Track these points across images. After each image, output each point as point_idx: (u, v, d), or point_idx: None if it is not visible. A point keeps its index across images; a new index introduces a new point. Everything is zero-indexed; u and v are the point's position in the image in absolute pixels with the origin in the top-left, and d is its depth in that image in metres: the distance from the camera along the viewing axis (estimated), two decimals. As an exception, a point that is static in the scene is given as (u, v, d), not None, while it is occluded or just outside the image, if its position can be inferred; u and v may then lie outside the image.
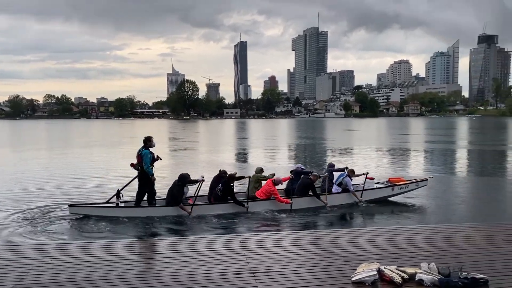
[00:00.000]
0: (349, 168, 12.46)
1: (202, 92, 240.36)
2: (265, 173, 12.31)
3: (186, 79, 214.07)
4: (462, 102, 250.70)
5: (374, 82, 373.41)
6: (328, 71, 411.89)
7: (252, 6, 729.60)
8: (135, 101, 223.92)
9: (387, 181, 12.89)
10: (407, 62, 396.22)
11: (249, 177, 11.75)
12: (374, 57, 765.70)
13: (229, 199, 10.94)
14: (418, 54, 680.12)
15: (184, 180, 10.61)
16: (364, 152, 30.43)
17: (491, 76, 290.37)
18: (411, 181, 12.93)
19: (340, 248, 5.83)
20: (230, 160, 25.26)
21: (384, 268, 4.70)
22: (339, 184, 12.01)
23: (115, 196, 10.71)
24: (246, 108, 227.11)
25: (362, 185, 12.23)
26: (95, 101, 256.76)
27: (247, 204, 10.93)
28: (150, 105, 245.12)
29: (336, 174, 12.36)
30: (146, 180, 10.69)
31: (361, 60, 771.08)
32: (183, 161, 24.66)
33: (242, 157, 28.92)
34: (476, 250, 5.71)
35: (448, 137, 49.63)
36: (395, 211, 11.63)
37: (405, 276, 4.57)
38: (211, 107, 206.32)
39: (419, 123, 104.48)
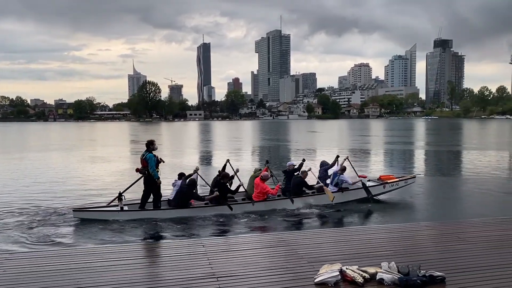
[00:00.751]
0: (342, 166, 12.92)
1: (164, 94, 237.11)
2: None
3: (148, 81, 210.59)
4: (420, 104, 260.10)
5: (335, 85, 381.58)
6: (291, 74, 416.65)
7: (214, 8, 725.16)
8: (95, 103, 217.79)
9: (378, 179, 13.36)
10: (367, 65, 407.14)
11: (238, 170, 12.13)
12: (335, 60, 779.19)
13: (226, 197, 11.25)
14: (377, 58, 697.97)
15: (193, 185, 11.02)
16: (327, 153, 30.89)
17: (446, 79, 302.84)
18: (400, 178, 13.43)
19: (303, 250, 5.85)
20: (194, 163, 24.96)
21: (346, 268, 4.75)
22: (336, 185, 12.48)
23: (116, 199, 10.74)
24: (210, 110, 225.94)
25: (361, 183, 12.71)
26: (52, 103, 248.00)
27: (253, 204, 11.26)
28: (110, 107, 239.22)
29: (330, 172, 12.85)
30: (151, 183, 10.77)
31: (323, 63, 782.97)
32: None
33: (206, 159, 28.70)
34: (433, 248, 5.88)
35: (406, 138, 51.28)
36: (356, 211, 11.85)
37: (367, 276, 4.64)
38: (174, 109, 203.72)
39: (379, 125, 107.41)
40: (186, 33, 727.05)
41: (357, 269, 4.77)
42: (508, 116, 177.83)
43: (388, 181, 13.05)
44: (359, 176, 13.05)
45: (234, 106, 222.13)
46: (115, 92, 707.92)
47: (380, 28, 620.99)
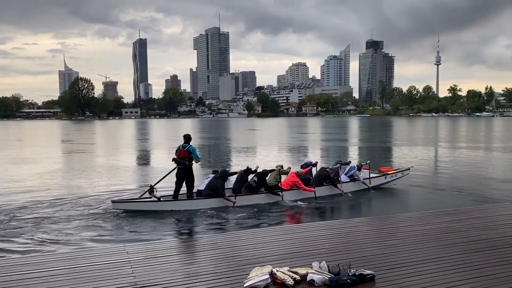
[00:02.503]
0: (358, 164, 14.65)
1: (98, 90, 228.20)
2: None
3: (80, 77, 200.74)
4: (353, 103, 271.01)
5: (274, 83, 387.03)
6: (231, 72, 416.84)
7: (149, 3, 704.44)
8: (22, 100, 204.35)
9: (378, 171, 14.86)
10: (304, 64, 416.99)
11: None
12: (273, 59, 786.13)
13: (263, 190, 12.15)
14: (314, 57, 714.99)
15: (225, 174, 11.92)
16: (266, 150, 31.07)
17: (378, 79, 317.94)
18: (397, 170, 15.05)
19: (235, 252, 5.59)
20: (131, 163, 23.95)
21: (277, 270, 4.56)
22: (350, 176, 13.86)
23: (147, 192, 11.17)
24: (147, 107, 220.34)
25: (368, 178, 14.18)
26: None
27: (282, 193, 12.16)
28: (40, 104, 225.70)
29: (343, 167, 14.31)
30: (186, 174, 11.32)
31: (261, 62, 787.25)
32: (79, 165, 22.84)
33: (143, 159, 27.72)
34: (364, 245, 5.86)
35: (341, 135, 53.03)
36: (296, 209, 11.82)
37: (297, 277, 4.47)
38: (108, 107, 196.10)
39: (316, 122, 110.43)
40: (120, 28, 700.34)
41: (288, 270, 4.59)
42: (434, 114, 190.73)
43: (388, 172, 14.61)
44: (363, 168, 14.43)
45: (172, 104, 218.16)
46: (45, 89, 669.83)
47: (314, 29, 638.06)
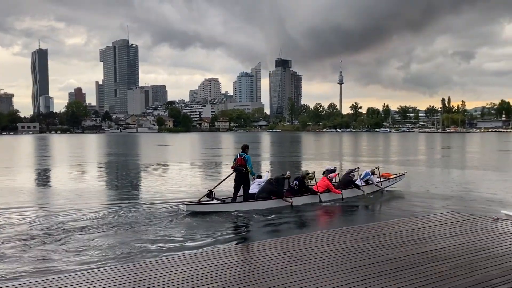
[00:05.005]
0: (373, 169, 16.23)
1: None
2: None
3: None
4: (265, 119, 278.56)
5: (187, 98, 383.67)
6: (140, 85, 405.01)
7: (48, 12, 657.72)
8: None
9: (381, 176, 16.61)
10: (216, 80, 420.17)
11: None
12: (184, 74, 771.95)
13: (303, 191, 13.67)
14: (226, 73, 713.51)
15: (282, 181, 13.25)
16: (179, 166, 29.93)
17: (287, 96, 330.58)
18: (395, 175, 17.29)
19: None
20: (27, 184, 21.20)
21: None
22: (366, 181, 15.57)
23: (206, 195, 12.40)
24: (47, 122, 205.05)
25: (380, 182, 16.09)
26: None
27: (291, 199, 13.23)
28: None
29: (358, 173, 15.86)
30: (243, 179, 12.80)
31: (172, 76, 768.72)
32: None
33: (42, 178, 24.91)
34: (267, 273, 5.28)
35: (253, 150, 53.29)
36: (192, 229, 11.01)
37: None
38: (1, 121, 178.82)
39: (228, 137, 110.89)
40: (15, 36, 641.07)
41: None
42: (338, 130, 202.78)
43: (390, 177, 16.73)
44: (383, 175, 16.66)
45: (75, 118, 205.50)
46: None
47: (222, 45, 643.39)
